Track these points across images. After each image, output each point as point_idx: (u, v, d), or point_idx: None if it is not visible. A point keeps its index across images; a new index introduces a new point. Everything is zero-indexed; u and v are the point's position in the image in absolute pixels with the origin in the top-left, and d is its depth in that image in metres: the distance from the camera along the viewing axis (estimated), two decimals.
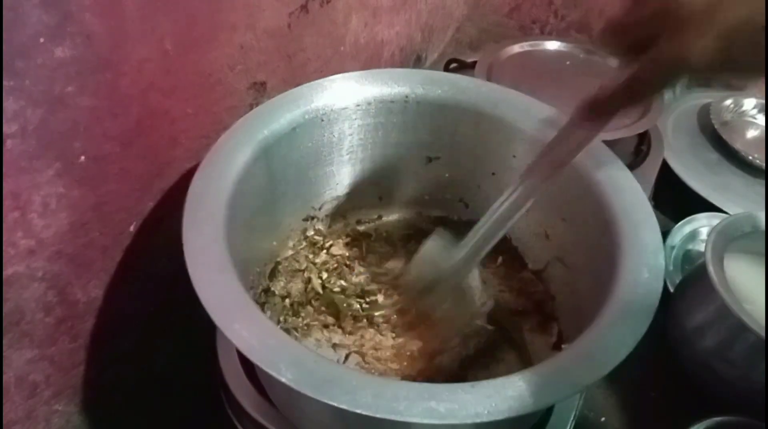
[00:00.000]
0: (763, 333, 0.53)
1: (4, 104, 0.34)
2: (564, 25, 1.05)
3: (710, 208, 0.77)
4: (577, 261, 0.53)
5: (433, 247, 0.53)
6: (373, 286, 0.57)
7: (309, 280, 0.57)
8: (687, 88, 0.97)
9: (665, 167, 0.78)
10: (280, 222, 0.57)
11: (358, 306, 0.56)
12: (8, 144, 0.36)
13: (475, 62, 0.79)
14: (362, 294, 0.56)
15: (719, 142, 0.84)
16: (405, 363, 0.51)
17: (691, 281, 0.63)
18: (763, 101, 0.90)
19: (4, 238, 0.38)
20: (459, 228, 0.62)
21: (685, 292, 0.63)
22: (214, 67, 0.50)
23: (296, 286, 0.56)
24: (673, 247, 0.74)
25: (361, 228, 0.62)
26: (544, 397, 0.35)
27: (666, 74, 0.35)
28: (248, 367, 0.48)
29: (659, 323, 0.40)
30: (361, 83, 0.55)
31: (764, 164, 0.80)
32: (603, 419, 0.61)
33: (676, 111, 0.91)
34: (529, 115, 0.55)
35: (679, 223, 0.75)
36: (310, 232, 0.60)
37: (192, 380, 0.56)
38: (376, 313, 0.55)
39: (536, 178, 0.45)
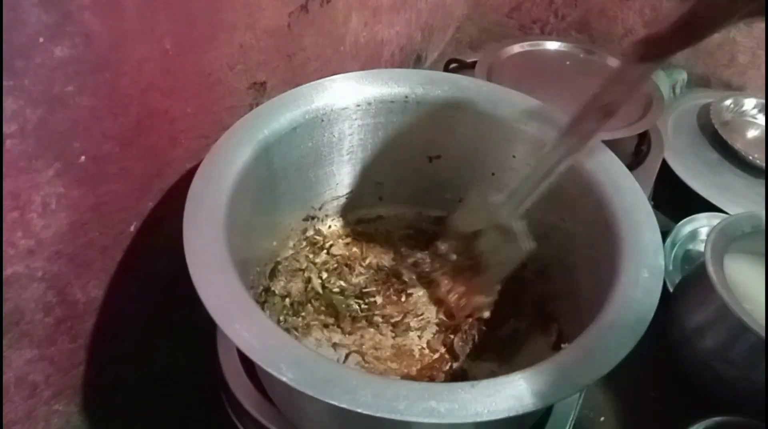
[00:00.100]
0: (763, 333, 0.53)
1: (4, 104, 0.34)
2: (564, 25, 1.05)
3: (710, 208, 0.77)
4: (577, 261, 0.53)
5: (479, 195, 0.53)
6: (373, 288, 0.57)
7: (309, 280, 0.57)
8: (687, 87, 0.97)
9: (665, 167, 0.78)
10: (280, 222, 0.57)
11: (357, 307, 0.56)
12: (7, 144, 0.36)
13: (475, 62, 0.79)
14: (361, 295, 0.57)
15: (719, 142, 0.84)
16: (403, 360, 0.52)
17: (691, 281, 0.63)
18: (763, 101, 0.90)
19: (4, 238, 0.38)
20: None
21: (685, 292, 0.63)
22: (213, 66, 0.50)
23: (296, 286, 0.57)
24: (673, 247, 0.74)
25: (361, 228, 0.62)
26: (544, 396, 0.35)
27: (726, 6, 0.34)
28: (249, 366, 0.48)
29: (659, 323, 0.40)
30: (361, 83, 0.55)
31: (764, 164, 0.80)
32: (603, 419, 0.61)
33: (676, 111, 0.91)
34: (529, 115, 0.55)
35: (679, 223, 0.75)
36: (310, 232, 0.60)
37: (192, 380, 0.56)
38: (375, 313, 0.55)
39: (588, 122, 0.44)
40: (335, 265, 0.59)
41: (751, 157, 0.81)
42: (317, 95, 0.53)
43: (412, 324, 0.55)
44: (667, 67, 0.95)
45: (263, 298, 0.54)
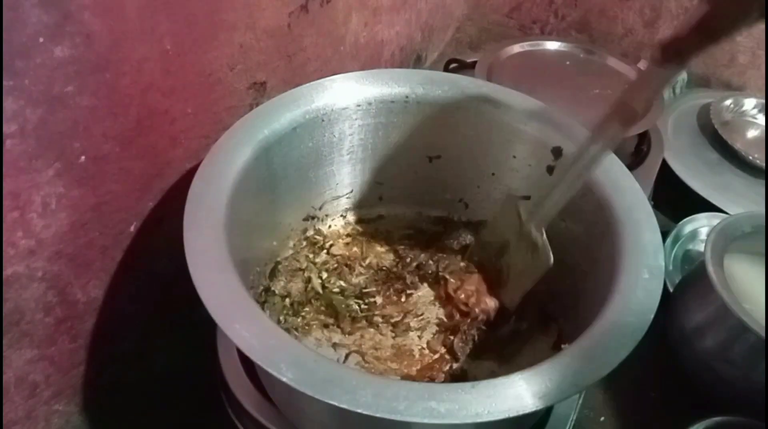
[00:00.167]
0: (763, 333, 0.53)
1: (4, 104, 0.34)
2: (564, 25, 1.05)
3: (710, 208, 0.77)
4: (577, 261, 0.53)
5: (507, 210, 0.54)
6: (373, 288, 0.57)
7: (309, 280, 0.57)
8: (687, 87, 0.97)
9: (665, 167, 0.78)
10: (280, 222, 0.57)
11: (357, 307, 0.56)
12: (8, 144, 0.36)
13: (475, 62, 0.79)
14: (361, 295, 0.56)
15: (719, 142, 0.84)
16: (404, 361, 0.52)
17: (691, 281, 0.63)
18: (763, 101, 0.90)
19: (4, 238, 0.38)
20: (459, 228, 0.62)
21: (685, 292, 0.63)
22: (213, 66, 0.50)
23: (296, 286, 0.56)
24: (673, 247, 0.74)
25: (361, 228, 0.62)
26: (544, 397, 0.35)
27: (746, 7, 0.34)
28: (249, 366, 0.48)
29: (659, 323, 0.40)
30: (361, 83, 0.55)
31: (764, 164, 0.80)
32: (602, 419, 0.61)
33: (676, 111, 0.91)
34: (529, 115, 0.55)
35: (679, 223, 0.75)
36: (310, 232, 0.60)
37: (192, 380, 0.56)
38: (375, 313, 0.55)
39: (612, 129, 0.44)
40: (335, 265, 0.59)
41: (751, 157, 0.81)
42: (317, 95, 0.53)
43: (412, 324, 0.55)
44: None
45: (263, 298, 0.54)
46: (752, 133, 0.89)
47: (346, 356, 0.52)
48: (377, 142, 0.58)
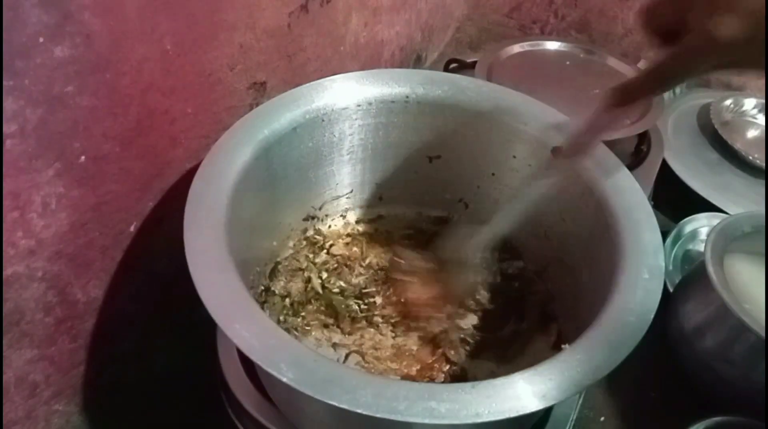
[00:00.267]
0: (763, 333, 0.53)
1: (4, 104, 0.34)
2: (564, 25, 1.05)
3: (710, 208, 0.77)
4: (577, 261, 0.53)
5: (457, 228, 0.55)
6: (372, 288, 0.57)
7: (309, 280, 0.57)
8: (687, 87, 0.97)
9: (665, 167, 0.78)
10: (280, 222, 0.57)
11: (357, 307, 0.56)
12: (8, 144, 0.36)
13: (475, 62, 0.79)
14: (361, 295, 0.56)
15: (719, 142, 0.84)
16: (404, 361, 0.52)
17: (691, 281, 0.63)
18: (763, 101, 0.90)
19: (4, 238, 0.38)
20: (458, 228, 0.62)
21: (685, 292, 0.63)
22: (213, 66, 0.50)
23: (296, 286, 0.56)
24: (673, 247, 0.74)
25: (361, 228, 0.62)
26: (544, 397, 0.35)
27: (694, 58, 0.35)
28: (249, 366, 0.48)
29: (659, 323, 0.40)
30: (361, 83, 0.55)
31: (764, 164, 0.80)
32: (603, 419, 0.61)
33: (676, 111, 0.91)
34: (529, 115, 0.55)
35: (679, 223, 0.75)
36: (310, 232, 0.60)
37: (192, 380, 0.56)
38: (375, 313, 0.55)
39: (561, 164, 0.47)
40: (335, 265, 0.59)
41: (751, 157, 0.81)
42: (317, 95, 0.53)
43: (411, 324, 0.55)
44: None
45: (263, 298, 0.54)
46: (752, 133, 0.89)
47: (346, 356, 0.52)
48: (377, 142, 0.58)
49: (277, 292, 0.55)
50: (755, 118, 0.90)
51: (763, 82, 0.95)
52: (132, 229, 0.49)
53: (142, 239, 0.49)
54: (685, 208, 0.77)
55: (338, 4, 0.65)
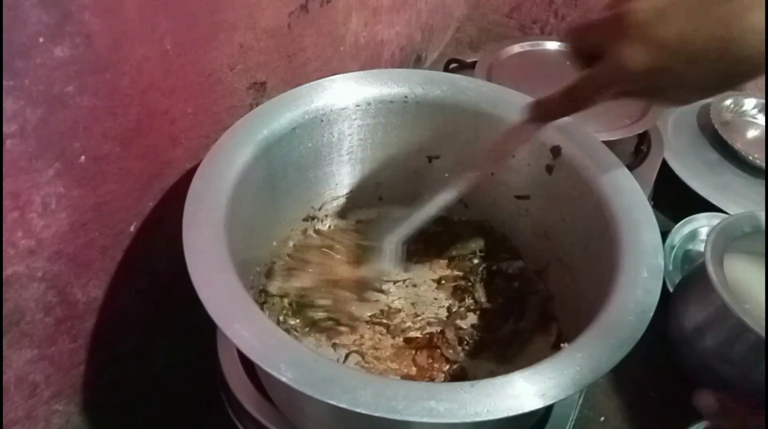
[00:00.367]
0: (763, 333, 0.53)
1: (4, 104, 0.35)
2: (564, 25, 1.05)
3: (710, 208, 0.77)
4: (577, 261, 0.53)
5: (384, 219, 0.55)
6: None
7: None
8: None
9: (665, 167, 0.78)
10: (280, 222, 0.57)
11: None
12: (8, 144, 0.36)
13: (475, 62, 0.79)
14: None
15: (719, 142, 0.84)
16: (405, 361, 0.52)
17: (691, 281, 0.63)
18: (763, 101, 0.90)
19: (4, 238, 0.38)
20: (459, 228, 0.62)
21: (685, 292, 0.63)
22: (213, 66, 0.50)
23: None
24: (672, 247, 0.74)
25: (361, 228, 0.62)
26: (542, 396, 0.35)
27: (604, 83, 0.36)
28: (249, 366, 0.48)
29: (659, 323, 0.40)
30: (360, 83, 0.55)
31: (764, 164, 0.80)
32: (603, 419, 0.61)
33: (676, 111, 0.91)
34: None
35: (679, 223, 0.75)
36: (310, 232, 0.60)
37: (192, 380, 0.56)
38: (375, 313, 0.55)
39: (476, 168, 0.48)
40: None
41: (751, 157, 0.81)
42: (317, 95, 0.53)
43: (411, 324, 0.55)
44: None
45: (263, 298, 0.54)
46: (752, 133, 0.89)
47: (346, 356, 0.52)
48: (376, 142, 0.58)
49: (275, 292, 0.55)
50: (755, 118, 0.90)
51: (763, 82, 0.95)
52: (132, 229, 0.49)
53: (142, 239, 0.50)
54: (685, 208, 0.77)
55: (338, 4, 0.65)
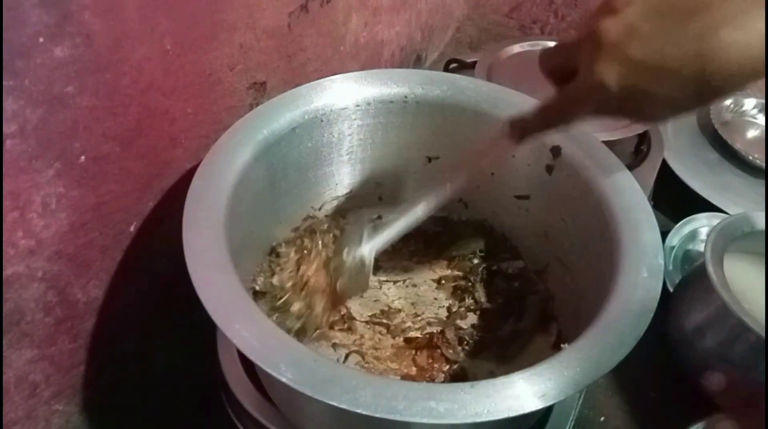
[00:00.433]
0: (763, 333, 0.53)
1: (4, 104, 0.35)
2: (564, 25, 1.05)
3: (710, 208, 0.77)
4: (577, 261, 0.53)
5: (355, 228, 0.52)
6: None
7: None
8: None
9: (665, 167, 0.78)
10: (280, 222, 0.57)
11: None
12: (8, 144, 0.36)
13: (475, 62, 0.79)
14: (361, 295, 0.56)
15: (719, 142, 0.84)
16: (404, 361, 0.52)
17: (691, 281, 0.63)
18: (763, 101, 0.90)
19: (4, 238, 0.38)
20: (459, 228, 0.62)
21: (685, 292, 0.63)
22: (213, 66, 0.50)
23: None
24: (672, 247, 0.74)
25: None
26: (543, 397, 0.35)
27: (579, 101, 0.36)
28: (249, 366, 0.48)
29: (659, 323, 0.40)
30: (360, 83, 0.55)
31: (764, 164, 0.80)
32: (602, 419, 0.61)
33: None
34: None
35: (679, 223, 0.75)
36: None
37: (192, 380, 0.56)
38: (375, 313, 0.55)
39: (455, 180, 0.47)
40: None
41: (751, 157, 0.81)
42: (317, 95, 0.53)
43: (411, 324, 0.55)
44: None
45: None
46: (752, 133, 0.89)
47: (346, 356, 0.52)
48: (376, 142, 0.58)
49: (259, 288, 0.55)
50: (755, 118, 0.90)
51: (763, 82, 0.95)
52: (132, 229, 0.49)
53: (142, 239, 0.50)
54: (685, 208, 0.77)
55: (338, 4, 0.65)
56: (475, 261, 0.60)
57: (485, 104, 0.56)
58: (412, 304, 0.57)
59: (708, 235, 0.60)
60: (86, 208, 0.43)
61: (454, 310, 0.56)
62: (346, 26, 0.69)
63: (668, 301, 0.64)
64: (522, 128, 0.41)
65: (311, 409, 0.43)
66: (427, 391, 0.35)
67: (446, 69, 0.86)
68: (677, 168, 0.80)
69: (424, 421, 0.33)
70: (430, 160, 0.60)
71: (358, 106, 0.55)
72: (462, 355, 0.52)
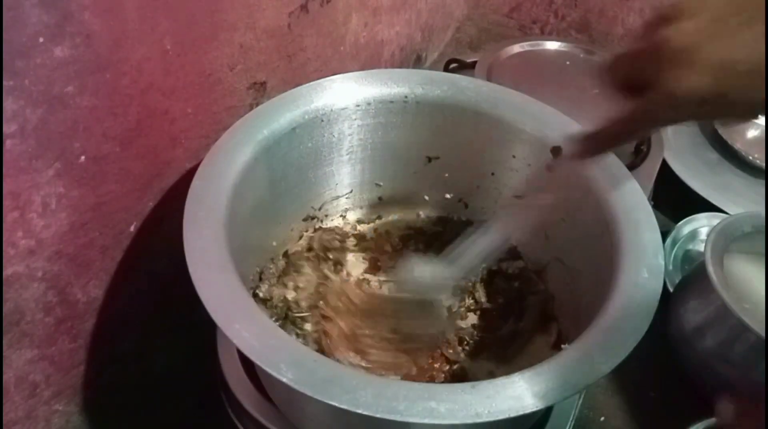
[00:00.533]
0: (763, 333, 0.53)
1: (4, 104, 0.34)
2: (564, 25, 1.05)
3: (710, 208, 0.77)
4: (577, 261, 0.53)
5: (414, 268, 0.52)
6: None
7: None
8: None
9: (665, 167, 0.78)
10: (280, 222, 0.57)
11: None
12: (8, 144, 0.36)
13: (475, 62, 0.79)
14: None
15: (719, 142, 0.84)
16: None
17: (691, 281, 0.63)
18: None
19: (4, 238, 0.38)
20: (459, 228, 0.62)
21: (685, 292, 0.63)
22: (213, 66, 0.50)
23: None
24: (673, 247, 0.74)
25: (361, 228, 0.62)
26: (543, 397, 0.35)
27: (654, 114, 0.36)
28: (249, 366, 0.48)
29: (659, 323, 0.40)
30: (360, 83, 0.55)
31: (764, 164, 0.80)
32: (602, 419, 0.61)
33: None
34: (529, 115, 0.55)
35: (679, 223, 0.75)
36: (310, 232, 0.60)
37: (192, 380, 0.56)
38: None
39: (526, 207, 0.47)
40: None
41: (751, 157, 0.81)
42: (317, 95, 0.53)
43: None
44: None
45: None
46: (752, 133, 0.89)
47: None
48: (376, 142, 0.58)
49: (262, 296, 0.55)
50: (755, 118, 0.90)
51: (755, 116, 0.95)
52: (132, 229, 0.49)
53: (142, 239, 0.50)
54: (685, 208, 0.77)
55: (338, 4, 0.65)
56: None
57: (485, 104, 0.56)
58: None
59: (708, 235, 0.60)
60: (86, 208, 0.43)
61: (454, 310, 0.56)
62: (346, 26, 0.69)
63: (668, 301, 0.64)
64: (595, 144, 0.40)
65: (311, 409, 0.43)
66: (428, 391, 0.35)
67: (446, 69, 0.86)
68: (677, 168, 0.80)
69: (425, 421, 0.33)
70: (430, 160, 0.60)
71: (358, 106, 0.55)
72: (462, 355, 0.52)
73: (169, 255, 0.46)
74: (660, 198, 0.76)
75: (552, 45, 0.84)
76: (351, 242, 0.60)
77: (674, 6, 0.33)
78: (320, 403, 0.34)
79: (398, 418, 0.33)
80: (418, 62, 0.96)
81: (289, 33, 0.58)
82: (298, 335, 0.52)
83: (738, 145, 0.82)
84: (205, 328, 0.44)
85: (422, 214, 0.64)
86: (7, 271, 0.39)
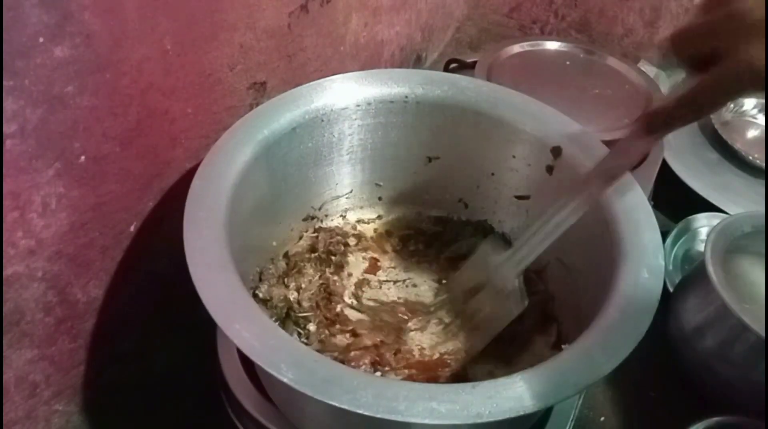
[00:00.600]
0: (763, 333, 0.53)
1: (4, 104, 0.34)
2: (564, 25, 1.05)
3: (710, 208, 0.77)
4: (577, 261, 0.53)
5: (484, 252, 0.54)
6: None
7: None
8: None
9: (665, 167, 0.78)
10: (280, 222, 0.57)
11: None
12: (8, 144, 0.36)
13: (475, 62, 0.79)
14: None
15: (719, 142, 0.84)
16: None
17: (691, 281, 0.63)
18: (763, 101, 0.90)
19: (4, 238, 0.38)
20: (459, 228, 0.62)
21: (685, 292, 0.63)
22: (213, 66, 0.50)
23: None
24: (673, 247, 0.74)
25: (361, 228, 0.62)
26: (544, 397, 0.35)
27: (732, 86, 0.35)
28: (249, 366, 0.48)
29: (659, 323, 0.40)
30: (361, 83, 0.55)
31: (764, 164, 0.80)
32: (602, 419, 0.61)
33: None
34: (529, 115, 0.55)
35: (679, 223, 0.75)
36: (310, 232, 0.60)
37: (192, 380, 0.56)
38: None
39: (594, 186, 0.46)
40: None
41: (751, 157, 0.81)
42: (317, 95, 0.53)
43: (411, 324, 0.55)
44: (667, 66, 0.95)
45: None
46: (752, 133, 0.89)
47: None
48: (377, 142, 0.58)
49: (262, 296, 0.55)
50: (755, 118, 0.90)
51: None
52: (132, 229, 0.49)
53: (142, 239, 0.49)
54: (685, 208, 0.77)
55: (338, 4, 0.65)
56: None
57: (485, 104, 0.56)
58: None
59: (708, 235, 0.60)
60: (86, 208, 0.43)
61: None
62: (346, 26, 0.69)
63: (668, 301, 0.64)
64: (663, 121, 0.39)
65: (311, 409, 0.43)
66: (429, 391, 0.35)
67: (446, 69, 0.86)
68: (677, 168, 0.80)
69: (426, 421, 0.33)
70: (430, 160, 0.60)
71: (358, 106, 0.55)
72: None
73: (169, 255, 0.46)
74: (660, 198, 0.76)
75: (552, 45, 0.84)
76: (351, 242, 0.60)
77: None
78: (320, 403, 0.34)
79: (399, 418, 0.33)
80: (418, 62, 0.96)
81: (289, 33, 0.58)
82: (300, 335, 0.52)
83: (738, 145, 0.82)
84: (205, 328, 0.44)
85: (422, 214, 0.64)
86: (7, 271, 0.39)
